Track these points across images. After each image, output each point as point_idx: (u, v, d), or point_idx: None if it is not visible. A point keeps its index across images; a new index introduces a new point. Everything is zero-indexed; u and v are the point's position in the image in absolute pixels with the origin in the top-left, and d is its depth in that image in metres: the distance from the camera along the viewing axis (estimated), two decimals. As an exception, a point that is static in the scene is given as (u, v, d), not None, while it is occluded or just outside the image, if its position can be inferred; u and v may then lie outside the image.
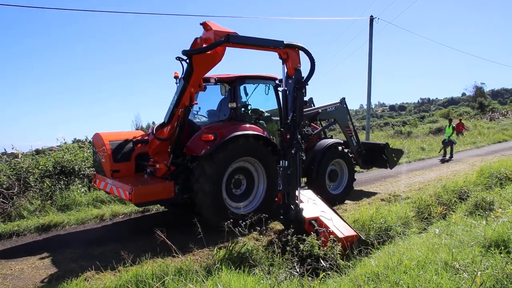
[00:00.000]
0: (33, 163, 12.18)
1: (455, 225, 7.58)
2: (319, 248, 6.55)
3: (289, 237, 6.50)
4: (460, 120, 32.20)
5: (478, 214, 8.39)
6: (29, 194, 10.92)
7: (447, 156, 21.08)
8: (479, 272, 4.39)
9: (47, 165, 11.89)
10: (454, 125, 22.51)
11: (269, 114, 10.29)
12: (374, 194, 12.26)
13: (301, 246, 6.50)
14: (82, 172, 12.27)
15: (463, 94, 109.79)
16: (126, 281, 5.64)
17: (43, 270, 6.93)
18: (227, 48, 7.72)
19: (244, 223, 6.66)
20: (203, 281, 5.08)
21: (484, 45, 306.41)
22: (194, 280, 5.24)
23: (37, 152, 17.12)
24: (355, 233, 7.49)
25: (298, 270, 5.90)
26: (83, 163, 12.49)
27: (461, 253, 5.43)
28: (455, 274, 4.74)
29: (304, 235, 6.77)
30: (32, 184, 11.25)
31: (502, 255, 5.14)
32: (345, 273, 5.82)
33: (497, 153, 20.74)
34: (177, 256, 5.93)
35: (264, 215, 7.11)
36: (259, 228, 7.24)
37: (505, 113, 51.12)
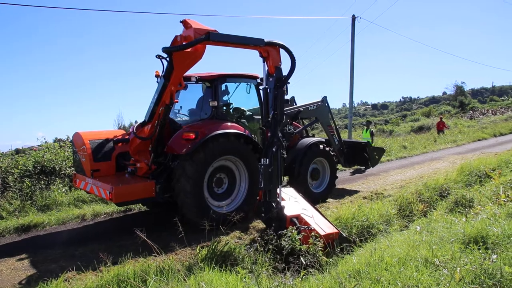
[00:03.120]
0: (13, 162, 12.02)
1: (435, 222, 7.65)
2: (300, 244, 6.57)
3: (270, 236, 6.52)
4: (441, 118, 32.71)
5: (458, 211, 8.50)
6: (8, 194, 10.76)
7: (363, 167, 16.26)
8: (458, 268, 4.44)
9: (27, 165, 11.75)
10: (372, 129, 19.11)
11: (250, 113, 10.29)
12: (356, 192, 12.33)
13: (282, 241, 6.51)
14: (63, 172, 12.13)
15: (444, 93, 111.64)
16: (107, 281, 5.58)
17: (22, 271, 6.84)
18: (207, 46, 7.70)
19: (226, 222, 6.66)
20: (185, 280, 5.05)
21: (464, 45, 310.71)
22: (176, 280, 5.21)
23: (17, 151, 16.86)
24: (337, 231, 7.53)
25: (280, 268, 5.91)
26: (64, 163, 12.35)
27: (441, 250, 5.48)
28: (435, 270, 4.78)
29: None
30: (12, 184, 11.10)
31: (480, 251, 5.20)
32: (327, 271, 5.84)
33: (476, 151, 21.01)
34: (159, 255, 5.89)
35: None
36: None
37: (485, 112, 51.85)
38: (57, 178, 11.90)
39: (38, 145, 14.95)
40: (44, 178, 11.72)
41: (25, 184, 11.11)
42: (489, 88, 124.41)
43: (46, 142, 14.26)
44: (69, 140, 14.52)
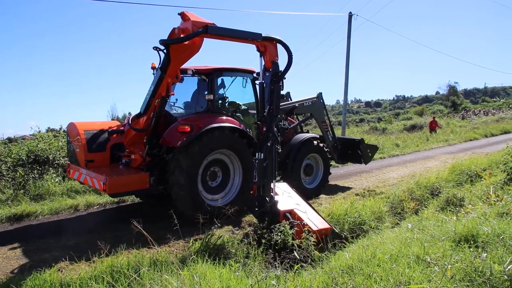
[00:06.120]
0: (6, 151, 11.96)
1: (427, 220, 7.73)
2: (293, 238, 6.62)
3: (263, 230, 6.56)
4: (434, 118, 32.92)
5: (449, 210, 8.58)
6: (0, 183, 10.72)
7: None
8: (449, 266, 4.50)
9: (20, 154, 11.69)
10: None
11: (246, 107, 10.30)
12: (348, 188, 12.39)
13: (274, 235, 6.55)
14: (56, 162, 12.07)
15: (437, 92, 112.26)
16: (101, 271, 5.59)
17: (14, 261, 6.83)
18: (205, 39, 7.69)
19: (219, 215, 6.69)
20: (178, 271, 5.08)
21: (458, 45, 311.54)
22: (170, 271, 5.24)
23: (10, 140, 16.77)
24: (329, 226, 7.58)
25: (273, 262, 5.95)
26: (58, 153, 12.29)
27: (433, 247, 5.54)
28: (427, 268, 4.84)
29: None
30: (4, 173, 11.06)
31: (471, 249, 5.27)
32: (320, 266, 5.89)
33: (468, 151, 21.12)
34: (153, 247, 5.91)
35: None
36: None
37: (477, 113, 52.12)
38: (50, 168, 11.84)
39: (30, 135, 14.89)
40: (38, 167, 11.67)
41: (18, 173, 11.06)
42: (481, 89, 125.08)
43: (39, 131, 14.19)
44: (63, 130, 14.46)
